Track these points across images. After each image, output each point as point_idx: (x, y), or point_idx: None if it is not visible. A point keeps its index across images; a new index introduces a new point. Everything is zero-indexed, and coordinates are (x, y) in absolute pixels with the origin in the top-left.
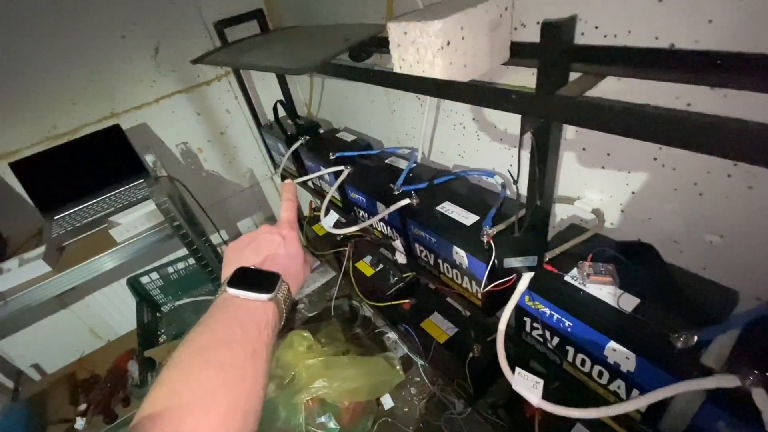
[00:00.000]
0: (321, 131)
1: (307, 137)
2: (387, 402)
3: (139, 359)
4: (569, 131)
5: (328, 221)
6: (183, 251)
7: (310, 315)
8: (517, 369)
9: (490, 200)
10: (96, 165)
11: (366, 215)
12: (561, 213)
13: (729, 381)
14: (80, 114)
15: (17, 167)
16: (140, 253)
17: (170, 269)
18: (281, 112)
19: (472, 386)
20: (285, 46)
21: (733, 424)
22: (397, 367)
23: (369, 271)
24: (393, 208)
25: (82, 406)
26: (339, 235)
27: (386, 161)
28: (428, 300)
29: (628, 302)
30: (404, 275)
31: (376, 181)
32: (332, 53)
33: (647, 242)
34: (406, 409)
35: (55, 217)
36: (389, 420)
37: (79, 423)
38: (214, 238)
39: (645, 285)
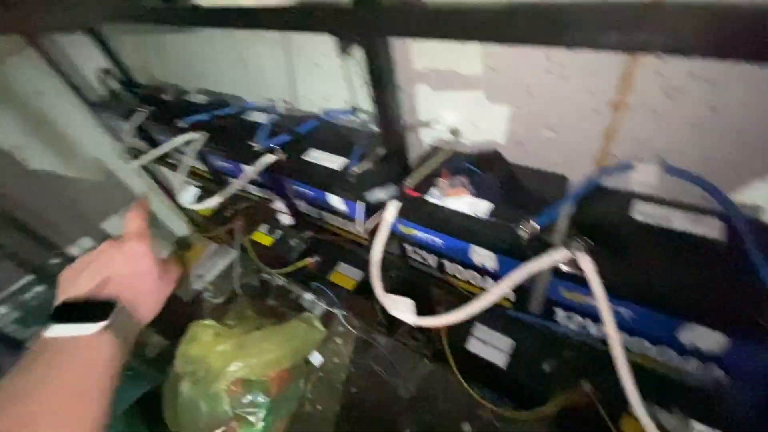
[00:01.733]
0: (166, 97)
1: (150, 107)
2: (317, 359)
3: None
4: (413, 53)
5: (186, 197)
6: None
7: (219, 301)
8: (389, 295)
9: (356, 139)
10: None
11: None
12: (426, 138)
13: (560, 254)
14: None
15: None
16: None
17: (27, 296)
18: (114, 85)
19: (386, 320)
20: None
21: (571, 288)
22: (316, 324)
23: (268, 241)
24: (257, 168)
25: None
26: (227, 209)
27: (245, 117)
28: (330, 253)
29: (483, 208)
30: (302, 235)
31: (236, 142)
32: None
33: (494, 149)
34: (336, 360)
35: None
36: (321, 375)
37: None
38: (85, 243)
39: (496, 189)
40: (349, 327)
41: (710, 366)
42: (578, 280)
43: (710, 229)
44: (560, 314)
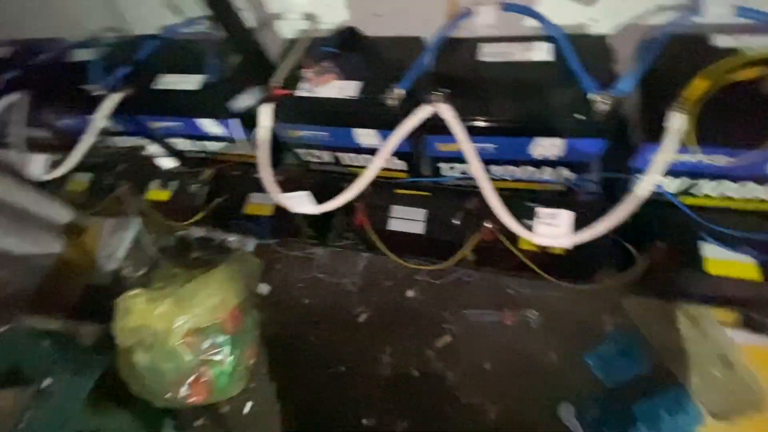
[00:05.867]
0: None
1: None
2: (264, 289)
3: None
4: None
5: (36, 169)
6: None
7: (142, 272)
8: (285, 194)
9: (207, 51)
10: None
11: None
12: (284, 32)
13: (424, 111)
14: None
15: None
16: None
17: None
18: None
19: (315, 231)
20: None
21: (443, 140)
22: (250, 259)
23: (165, 195)
24: (103, 111)
25: None
26: (104, 177)
27: (69, 60)
28: (235, 186)
29: (353, 89)
30: (201, 177)
31: (68, 90)
32: None
33: (350, 27)
34: (283, 283)
35: None
36: (273, 299)
37: None
38: None
39: (360, 66)
40: (284, 251)
41: (559, 169)
42: (447, 131)
43: (543, 53)
44: (444, 167)
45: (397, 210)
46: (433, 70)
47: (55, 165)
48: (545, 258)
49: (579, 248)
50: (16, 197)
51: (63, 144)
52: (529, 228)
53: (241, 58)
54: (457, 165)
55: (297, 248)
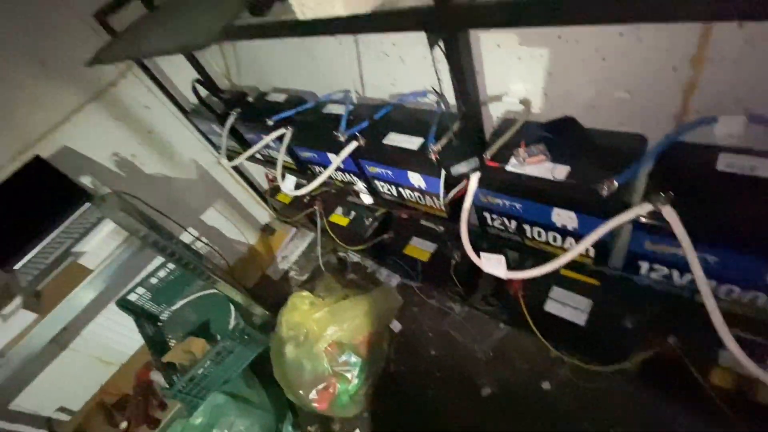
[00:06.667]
0: (250, 99)
1: (238, 110)
2: (396, 326)
3: (160, 366)
4: (480, 32)
5: (288, 185)
6: (158, 260)
7: (303, 278)
8: (482, 253)
9: (430, 119)
10: (34, 203)
11: (322, 169)
12: (496, 111)
13: (643, 208)
14: None
15: None
16: (119, 273)
17: (153, 280)
18: (203, 92)
19: (462, 288)
20: (178, 19)
21: (655, 240)
22: (395, 295)
23: (344, 221)
24: (343, 155)
25: (124, 424)
26: (305, 195)
27: (324, 111)
28: (403, 228)
29: (561, 172)
30: (377, 214)
31: (320, 133)
32: (230, 15)
33: (569, 115)
34: (413, 326)
35: (15, 267)
36: (401, 340)
37: None
38: (186, 237)
39: (572, 153)
40: (423, 297)
41: None
42: (663, 232)
43: None
44: (644, 267)
45: (558, 292)
46: (657, 169)
47: (298, 186)
48: (744, 404)
49: None
50: (239, 197)
51: (299, 169)
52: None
53: (462, 130)
54: (662, 268)
55: (437, 298)
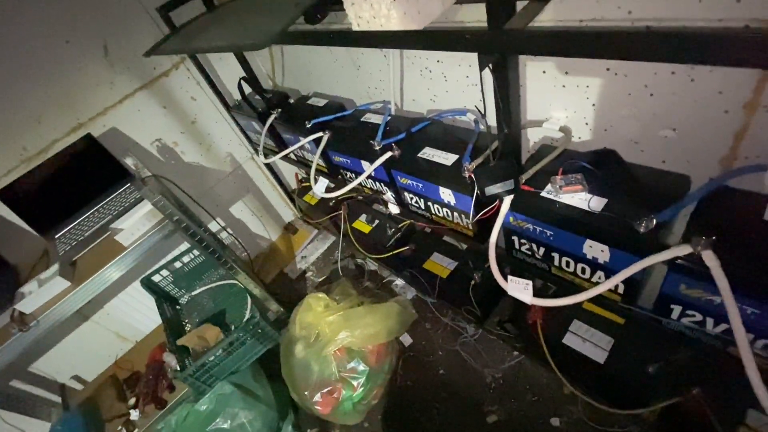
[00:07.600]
0: (291, 101)
1: (279, 110)
2: (406, 340)
3: (173, 349)
4: (527, 57)
5: (319, 188)
6: (185, 246)
7: (320, 280)
8: (509, 276)
9: (466, 137)
10: (80, 177)
11: (353, 175)
12: (533, 136)
13: (682, 250)
14: (47, 131)
15: (5, 196)
16: (148, 253)
17: (177, 264)
18: (247, 89)
19: (479, 309)
20: (236, 20)
21: (692, 285)
22: (409, 308)
23: (366, 229)
24: (377, 163)
25: (132, 400)
26: (331, 199)
27: (362, 119)
28: (426, 242)
29: (597, 203)
30: (400, 225)
31: (356, 140)
32: (287, 21)
33: (610, 148)
34: (424, 342)
35: (56, 236)
36: (411, 354)
37: (134, 414)
38: (212, 226)
39: (610, 186)
40: (437, 314)
41: None
42: (700, 277)
43: None
44: (676, 311)
45: (578, 326)
46: (699, 212)
47: (329, 190)
48: None
49: None
50: (267, 193)
51: (330, 173)
52: None
53: (500, 151)
54: (696, 314)
55: (451, 316)
